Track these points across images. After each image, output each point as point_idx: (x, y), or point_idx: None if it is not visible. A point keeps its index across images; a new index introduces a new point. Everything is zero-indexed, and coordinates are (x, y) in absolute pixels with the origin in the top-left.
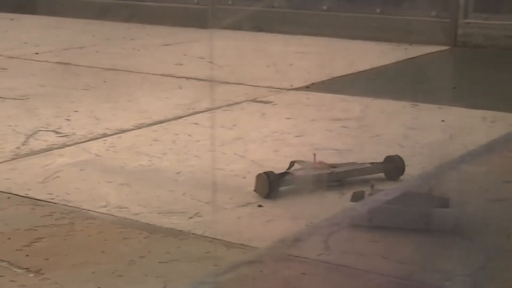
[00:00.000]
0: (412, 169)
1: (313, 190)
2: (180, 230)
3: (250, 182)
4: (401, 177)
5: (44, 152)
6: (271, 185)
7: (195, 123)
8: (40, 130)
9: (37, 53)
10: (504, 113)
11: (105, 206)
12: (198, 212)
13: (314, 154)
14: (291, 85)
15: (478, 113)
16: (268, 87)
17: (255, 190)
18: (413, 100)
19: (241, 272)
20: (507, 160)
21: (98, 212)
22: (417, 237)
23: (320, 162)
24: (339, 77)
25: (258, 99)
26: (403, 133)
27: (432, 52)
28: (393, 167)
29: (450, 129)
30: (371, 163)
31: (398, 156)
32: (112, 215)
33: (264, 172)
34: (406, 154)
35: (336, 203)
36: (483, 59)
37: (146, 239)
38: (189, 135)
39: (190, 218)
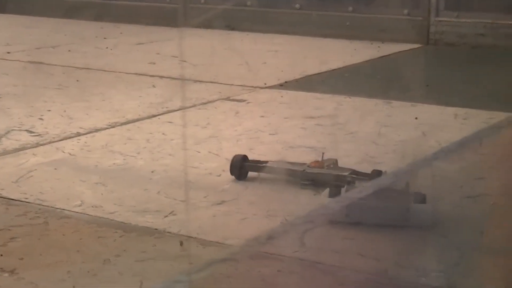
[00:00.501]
0: (386, 167)
1: (285, 185)
2: (156, 229)
3: (225, 180)
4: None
5: (17, 152)
6: (241, 167)
7: (169, 122)
8: (13, 130)
9: (8, 52)
10: (477, 110)
11: (79, 205)
12: (173, 211)
13: (323, 153)
14: (265, 83)
15: (451, 110)
16: (241, 85)
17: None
18: (387, 98)
19: (216, 270)
20: (480, 157)
21: (73, 211)
22: (393, 234)
23: (316, 161)
24: (312, 75)
25: (231, 98)
26: (376, 131)
27: (404, 50)
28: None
29: (423, 127)
30: (356, 173)
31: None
32: (87, 214)
33: (237, 154)
34: (380, 151)
35: (309, 201)
36: (455, 57)
37: (121, 237)
38: (163, 133)
39: (165, 216)
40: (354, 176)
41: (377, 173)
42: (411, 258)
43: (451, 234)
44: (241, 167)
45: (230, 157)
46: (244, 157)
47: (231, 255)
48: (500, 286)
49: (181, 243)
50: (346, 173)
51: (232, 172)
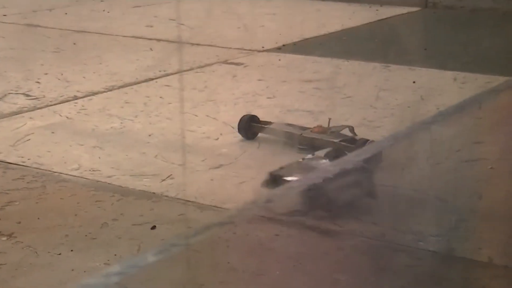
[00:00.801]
0: (384, 131)
1: (283, 147)
2: (153, 193)
3: (223, 144)
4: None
5: (14, 115)
6: (251, 128)
7: (167, 85)
8: (10, 93)
9: (5, 15)
10: (475, 74)
11: (77, 169)
12: (171, 174)
13: (329, 119)
14: (262, 47)
15: (449, 74)
16: (239, 48)
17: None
18: (385, 62)
19: (214, 234)
20: (478, 121)
21: (70, 175)
22: (389, 199)
23: (319, 126)
24: (310, 38)
25: (229, 61)
26: (374, 95)
27: (403, 13)
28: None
29: (421, 90)
30: (355, 140)
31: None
32: (85, 178)
33: (248, 115)
34: (378, 115)
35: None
36: (454, 20)
37: (118, 201)
38: (161, 97)
39: (163, 180)
40: (342, 144)
41: (363, 142)
42: (409, 222)
43: (449, 199)
44: (247, 128)
45: (227, 120)
46: (253, 117)
47: (229, 219)
48: (498, 250)
49: (153, 227)
50: (335, 140)
51: (240, 132)
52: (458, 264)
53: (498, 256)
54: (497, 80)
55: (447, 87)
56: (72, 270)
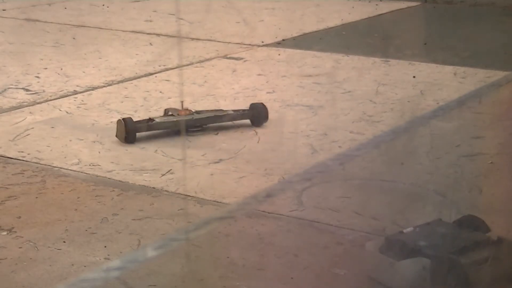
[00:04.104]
0: (384, 125)
1: (174, 135)
2: (153, 187)
3: (223, 139)
4: (265, 124)
5: (14, 110)
6: (128, 130)
7: (166, 80)
8: (9, 88)
9: (4, 10)
10: (475, 68)
11: (77, 164)
12: (171, 169)
13: (182, 102)
14: (262, 41)
15: (449, 69)
16: (238, 43)
17: (116, 135)
18: (384, 56)
19: (214, 228)
20: (478, 115)
21: (70, 170)
22: (390, 193)
23: (186, 109)
24: (310, 33)
25: (229, 56)
26: (374, 89)
27: (402, 8)
28: (256, 113)
29: (421, 85)
30: (235, 110)
31: (262, 104)
32: (84, 173)
33: (122, 118)
34: (378, 110)
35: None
36: (453, 15)
37: (118, 196)
38: (160, 92)
39: (163, 175)
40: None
41: (254, 106)
42: (409, 216)
43: (449, 193)
44: (127, 131)
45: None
46: (130, 119)
47: (229, 213)
48: None
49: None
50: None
51: (118, 136)
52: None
53: None
54: (497, 74)
55: (447, 81)
56: (72, 264)
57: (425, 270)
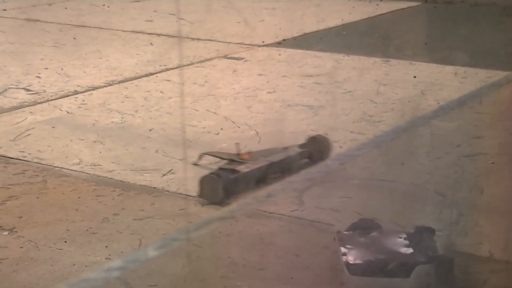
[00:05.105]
0: (384, 125)
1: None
2: (154, 187)
3: (223, 139)
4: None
5: (15, 110)
6: (225, 189)
7: (167, 80)
8: (10, 88)
9: (5, 10)
10: (475, 68)
11: (78, 164)
12: (172, 169)
13: (237, 143)
14: (263, 41)
15: (449, 69)
16: (239, 43)
17: (200, 196)
18: (385, 56)
19: (215, 228)
20: (478, 115)
21: (71, 170)
22: (390, 193)
23: (248, 152)
24: (310, 33)
25: (229, 56)
26: (375, 89)
27: (403, 8)
28: (318, 149)
29: (422, 85)
30: (300, 146)
31: (322, 137)
32: (85, 173)
33: (211, 173)
34: (378, 110)
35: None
36: (454, 15)
37: (119, 196)
38: (161, 92)
39: (164, 175)
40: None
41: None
42: (409, 216)
43: (450, 193)
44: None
45: (228, 115)
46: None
47: (230, 214)
48: (499, 245)
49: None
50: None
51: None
52: (459, 258)
53: (499, 251)
54: (498, 74)
55: (448, 81)
56: (73, 264)
57: None
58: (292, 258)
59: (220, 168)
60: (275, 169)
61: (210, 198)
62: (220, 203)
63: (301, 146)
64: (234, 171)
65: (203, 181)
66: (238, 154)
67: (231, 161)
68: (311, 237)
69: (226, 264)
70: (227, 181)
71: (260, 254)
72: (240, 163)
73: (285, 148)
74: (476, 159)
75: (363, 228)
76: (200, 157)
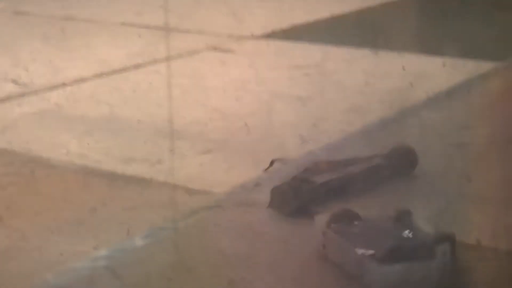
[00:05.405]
0: (373, 116)
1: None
2: (142, 178)
3: (212, 130)
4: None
5: (3, 102)
6: (297, 200)
7: (155, 72)
8: None
9: None
10: (464, 60)
11: (66, 155)
12: (160, 160)
13: (311, 152)
14: (252, 33)
15: (438, 60)
16: (228, 35)
17: (270, 206)
18: (374, 48)
19: (203, 218)
20: (467, 106)
21: (59, 161)
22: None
23: (329, 162)
24: (299, 25)
25: (218, 48)
26: (364, 81)
27: (393, 0)
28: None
29: (411, 76)
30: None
31: (408, 147)
32: (74, 164)
33: (283, 184)
34: (367, 101)
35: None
36: (443, 7)
37: (108, 186)
38: (150, 83)
39: (152, 165)
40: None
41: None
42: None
43: (438, 182)
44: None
45: (217, 107)
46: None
47: (218, 203)
48: (487, 233)
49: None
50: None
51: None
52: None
53: (486, 238)
54: (486, 66)
55: (437, 72)
56: (61, 254)
57: None
58: (281, 246)
59: (294, 178)
60: (355, 180)
61: (281, 209)
62: (291, 215)
63: (385, 156)
64: (309, 181)
65: (274, 191)
66: (315, 163)
67: (306, 170)
68: (301, 226)
69: (214, 253)
70: (300, 193)
71: (249, 243)
72: (316, 173)
73: (369, 159)
74: (465, 148)
75: (345, 218)
76: (272, 163)
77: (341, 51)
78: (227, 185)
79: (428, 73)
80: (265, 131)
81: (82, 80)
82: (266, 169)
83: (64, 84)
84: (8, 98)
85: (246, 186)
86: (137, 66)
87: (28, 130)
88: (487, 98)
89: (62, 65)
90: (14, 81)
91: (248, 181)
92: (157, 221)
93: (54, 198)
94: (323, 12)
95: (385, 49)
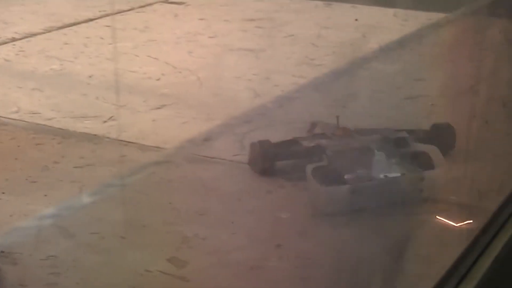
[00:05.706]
0: (325, 69)
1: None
2: (95, 135)
3: (164, 84)
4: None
5: None
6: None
7: (107, 26)
8: None
9: None
10: (416, 11)
11: (16, 112)
12: (112, 116)
13: (337, 116)
14: None
15: (390, 11)
16: None
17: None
18: (327, 0)
19: (155, 174)
20: (419, 57)
21: (10, 118)
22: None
23: (344, 128)
24: None
25: (170, 0)
26: (316, 33)
27: None
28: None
29: (363, 28)
30: (409, 131)
31: (448, 125)
32: (24, 121)
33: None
34: (320, 53)
35: None
36: None
37: (59, 144)
38: (101, 38)
39: (104, 122)
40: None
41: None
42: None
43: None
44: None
45: (169, 61)
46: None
47: (169, 158)
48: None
49: None
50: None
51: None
52: None
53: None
54: (438, 16)
55: (389, 24)
56: (12, 215)
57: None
58: (234, 202)
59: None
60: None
61: (252, 167)
62: (263, 173)
63: (423, 133)
64: (298, 144)
65: (251, 148)
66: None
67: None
68: (254, 182)
69: (167, 210)
70: (272, 153)
71: (202, 199)
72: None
73: (394, 132)
74: (417, 101)
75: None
76: (313, 125)
77: (293, 3)
78: (180, 141)
79: (381, 24)
80: (218, 85)
81: (32, 34)
82: (308, 131)
83: (13, 39)
84: None
85: (198, 141)
86: (87, 20)
87: None
88: (439, 49)
89: (11, 20)
90: None
91: (201, 135)
92: (109, 178)
93: (5, 157)
94: None
95: (337, 1)
